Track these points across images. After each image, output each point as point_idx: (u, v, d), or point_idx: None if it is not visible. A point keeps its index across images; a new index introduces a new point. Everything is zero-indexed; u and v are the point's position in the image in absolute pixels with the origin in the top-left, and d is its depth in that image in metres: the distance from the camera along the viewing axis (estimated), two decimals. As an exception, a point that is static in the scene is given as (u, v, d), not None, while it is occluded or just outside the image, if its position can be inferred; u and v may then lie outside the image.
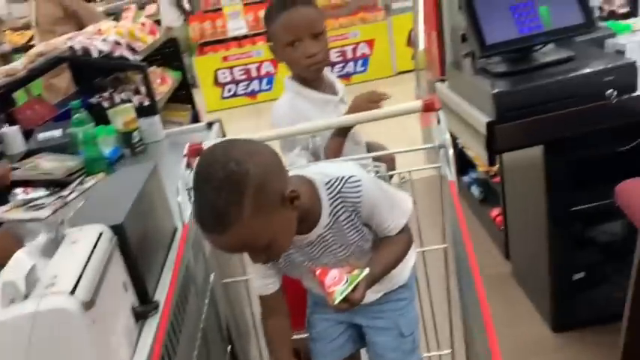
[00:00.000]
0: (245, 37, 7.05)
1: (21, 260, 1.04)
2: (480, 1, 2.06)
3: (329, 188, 1.12)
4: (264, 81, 6.97)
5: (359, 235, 1.18)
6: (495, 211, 3.07)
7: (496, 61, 2.17)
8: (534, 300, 2.47)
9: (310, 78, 1.61)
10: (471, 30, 2.06)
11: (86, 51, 2.52)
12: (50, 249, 1.09)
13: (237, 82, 7.03)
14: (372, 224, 1.19)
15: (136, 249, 1.23)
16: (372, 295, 1.30)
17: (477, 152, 2.26)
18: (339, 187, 1.11)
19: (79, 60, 2.53)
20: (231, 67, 6.97)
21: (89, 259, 1.05)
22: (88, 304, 0.95)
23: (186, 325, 1.31)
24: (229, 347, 1.53)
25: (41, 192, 2.08)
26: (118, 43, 2.61)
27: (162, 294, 1.31)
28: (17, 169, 2.16)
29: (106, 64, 2.55)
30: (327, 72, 1.69)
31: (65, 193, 2.05)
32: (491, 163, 2.04)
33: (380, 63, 6.78)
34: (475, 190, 3.43)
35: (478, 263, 1.13)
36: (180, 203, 1.48)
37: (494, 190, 2.98)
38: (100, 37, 2.62)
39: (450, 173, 1.42)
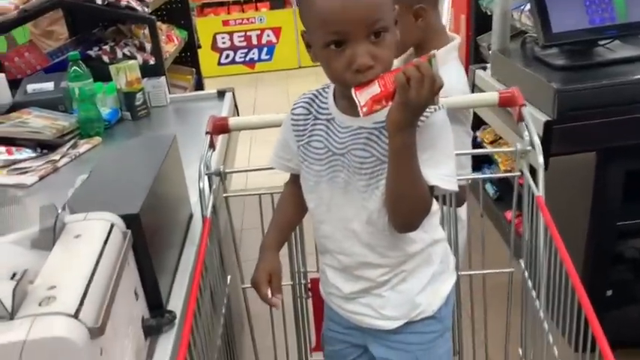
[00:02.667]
0: (248, 1, 6.69)
1: (4, 259, 0.78)
2: (550, -15, 1.82)
3: None
4: (264, 50, 6.68)
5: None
6: (510, 214, 2.88)
7: (555, 52, 1.93)
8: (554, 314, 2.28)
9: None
10: (536, 15, 1.82)
11: (89, -4, 2.20)
12: (46, 243, 0.83)
13: (235, 49, 6.72)
14: None
15: (151, 245, 0.98)
16: (386, 323, 1.09)
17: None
18: None
19: (80, 6, 2.21)
20: (230, 33, 6.65)
21: (98, 262, 0.79)
22: (98, 331, 0.69)
23: (201, 339, 1.07)
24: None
25: (27, 153, 1.80)
26: (124, -9, 2.30)
27: (177, 301, 1.06)
28: (1, 123, 1.87)
29: (110, 14, 2.25)
30: None
31: (56, 157, 1.78)
32: (545, 167, 1.82)
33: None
34: (490, 189, 3.23)
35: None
36: (201, 191, 1.23)
37: (519, 192, 2.77)
38: (104, -18, 2.30)
39: (538, 185, 1.19)
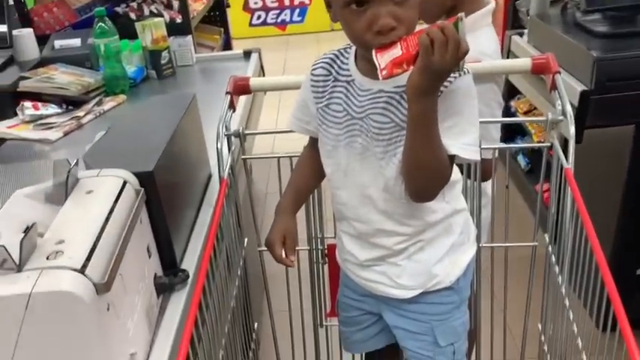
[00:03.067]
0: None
1: (15, 211, 0.78)
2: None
3: None
4: (296, 12, 6.56)
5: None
6: (544, 186, 2.80)
7: (597, 18, 1.83)
8: (578, 290, 2.23)
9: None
10: (579, -23, 1.72)
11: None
12: (58, 197, 0.83)
13: (267, 10, 6.62)
14: None
15: (166, 204, 0.97)
16: (402, 292, 1.07)
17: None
18: None
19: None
20: (262, -6, 6.54)
21: (108, 218, 0.78)
22: (104, 287, 0.69)
23: (214, 301, 1.07)
24: (256, 325, 1.30)
25: (53, 109, 1.81)
26: (152, -53, 2.26)
27: (191, 260, 1.05)
28: (28, 78, 1.88)
29: (137, -31, 2.21)
30: None
31: (80, 113, 1.78)
32: (579, 139, 1.74)
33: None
34: (522, 160, 3.14)
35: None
36: (219, 152, 1.21)
37: (548, 164, 2.69)
38: (133, -64, 2.27)
39: (567, 157, 1.14)
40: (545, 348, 1.27)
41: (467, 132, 0.92)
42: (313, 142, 1.12)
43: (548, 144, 1.29)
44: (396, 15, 0.85)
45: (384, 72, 0.85)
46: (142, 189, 0.89)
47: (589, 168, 2.04)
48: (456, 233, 1.06)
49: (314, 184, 1.20)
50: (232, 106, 1.31)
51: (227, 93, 1.31)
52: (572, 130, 1.17)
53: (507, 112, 3.26)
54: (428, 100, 0.85)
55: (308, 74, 1.07)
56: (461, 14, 0.81)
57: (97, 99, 1.88)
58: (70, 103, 1.84)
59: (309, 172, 1.16)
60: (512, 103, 3.17)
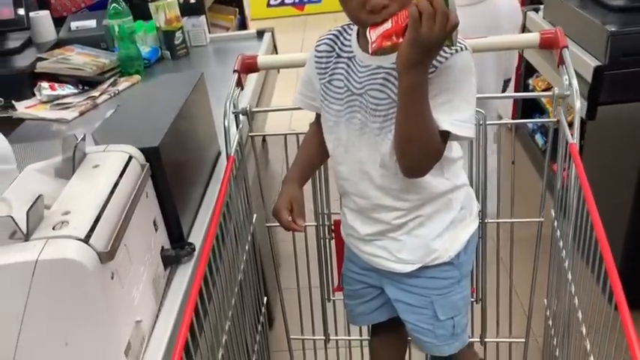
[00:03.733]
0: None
1: (26, 184, 0.82)
2: None
3: None
4: (314, -9, 6.51)
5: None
6: (557, 166, 2.78)
7: (614, -9, 1.79)
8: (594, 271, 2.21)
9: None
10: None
11: None
12: (66, 172, 0.86)
13: (285, -10, 6.57)
14: None
15: (172, 179, 1.00)
16: (402, 267, 1.08)
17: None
18: None
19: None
20: (279, -26, 6.50)
21: (113, 191, 0.81)
22: (107, 256, 0.72)
23: (221, 273, 1.10)
24: (265, 299, 1.33)
25: (69, 89, 1.85)
26: None
27: (198, 235, 1.08)
28: (45, 59, 1.92)
29: (150, -50, 2.22)
30: None
31: (95, 93, 1.82)
32: (592, 116, 1.72)
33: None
34: (539, 139, 3.10)
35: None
36: (226, 129, 1.23)
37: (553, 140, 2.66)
38: None
39: (573, 133, 1.13)
40: (550, 322, 1.28)
41: (461, 108, 0.92)
42: (318, 119, 1.14)
43: (555, 119, 1.28)
44: None
45: (373, 45, 0.86)
46: (147, 164, 0.92)
47: (604, 145, 2.02)
48: (455, 209, 1.06)
49: (319, 160, 1.21)
50: (240, 84, 1.33)
51: (234, 71, 1.33)
52: (578, 104, 1.16)
53: (525, 89, 3.22)
54: (418, 73, 0.85)
55: (312, 50, 1.08)
56: None
57: (112, 79, 1.92)
58: (86, 83, 1.87)
59: (315, 148, 1.17)
60: (531, 81, 3.13)
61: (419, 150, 0.92)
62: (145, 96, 1.21)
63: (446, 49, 0.89)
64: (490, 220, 1.34)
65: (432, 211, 1.04)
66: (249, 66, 1.36)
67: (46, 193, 0.81)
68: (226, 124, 1.24)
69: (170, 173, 0.99)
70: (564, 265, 1.16)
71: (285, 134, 1.33)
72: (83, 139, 0.89)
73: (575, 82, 1.17)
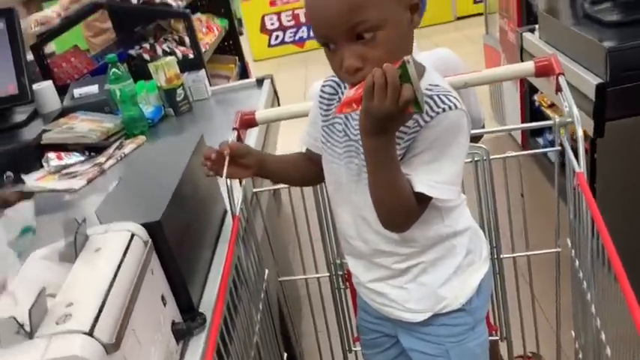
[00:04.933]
0: (294, -22, 6.63)
1: (34, 274, 0.81)
2: None
3: (426, 85, 0.91)
4: (313, 28, 6.59)
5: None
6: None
7: (606, 7, 1.79)
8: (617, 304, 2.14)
9: None
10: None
11: (124, -4, 2.24)
12: (69, 256, 0.86)
13: (284, 29, 6.71)
14: (404, 157, 0.91)
15: (177, 250, 0.99)
16: (412, 316, 1.06)
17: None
18: (435, 90, 0.90)
19: (117, 6, 2.26)
20: (278, 13, 6.63)
21: (116, 274, 0.81)
22: (113, 347, 0.71)
23: (237, 335, 1.08)
24: (285, 355, 1.31)
25: (76, 157, 1.87)
26: (159, -13, 2.32)
27: (209, 302, 1.07)
28: (50, 130, 1.95)
29: (147, 12, 2.28)
30: None
31: (102, 159, 1.84)
32: (600, 133, 1.70)
33: (437, 4, 6.17)
34: (552, 155, 3.06)
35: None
36: (229, 189, 1.23)
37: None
38: (139, -20, 2.34)
39: (579, 161, 1.11)
40: (580, 356, 1.23)
41: (443, 170, 0.89)
42: (310, 154, 1.13)
43: (559, 147, 1.26)
44: (363, 55, 0.84)
45: (337, 108, 0.87)
46: (150, 239, 0.91)
47: (616, 160, 1.98)
48: (460, 254, 1.04)
49: (294, 174, 1.18)
50: (240, 141, 1.33)
51: (234, 129, 1.33)
52: (581, 132, 1.14)
53: (531, 106, 3.20)
54: (378, 141, 0.84)
55: (318, 90, 1.08)
56: (407, 57, 0.77)
57: (117, 143, 1.94)
58: (92, 149, 1.90)
59: (295, 167, 1.16)
60: (536, 97, 3.11)
61: (390, 209, 0.91)
62: (146, 164, 1.22)
63: (434, 104, 0.88)
64: (505, 256, 1.31)
65: (434, 258, 1.02)
66: (248, 122, 1.36)
67: (51, 281, 0.81)
68: (229, 183, 1.24)
69: (175, 245, 0.98)
70: (587, 297, 1.13)
71: (290, 187, 1.33)
72: (84, 221, 0.88)
73: (575, 109, 1.16)
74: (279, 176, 1.20)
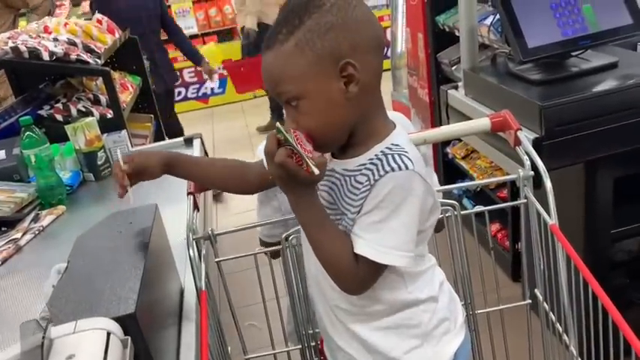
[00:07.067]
0: (195, 36, 6.60)
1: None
2: (518, 0, 1.79)
3: (388, 144, 0.91)
4: (217, 83, 6.56)
5: (347, 210, 0.91)
6: (494, 227, 2.85)
7: (528, 66, 1.90)
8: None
9: None
10: (510, 31, 1.79)
11: (34, 53, 2.05)
12: (32, 367, 0.69)
13: (187, 85, 6.60)
14: (353, 214, 0.89)
15: (152, 342, 0.85)
16: None
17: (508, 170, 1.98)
18: (393, 149, 0.89)
19: (25, 64, 2.06)
20: (180, 69, 6.50)
21: (99, 387, 0.66)
22: None
23: None
24: None
25: (-15, 234, 1.63)
26: (72, 44, 2.16)
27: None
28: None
29: (60, 69, 2.10)
30: None
31: (17, 235, 1.61)
32: (538, 185, 1.77)
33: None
34: (468, 204, 3.19)
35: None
36: (192, 260, 1.10)
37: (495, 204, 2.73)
38: (49, 37, 2.16)
39: (550, 213, 1.12)
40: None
41: (390, 233, 0.86)
42: (261, 165, 1.07)
43: (523, 200, 1.28)
44: (295, 119, 0.89)
45: None
46: (128, 338, 0.77)
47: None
48: (425, 324, 0.97)
49: (228, 182, 1.16)
50: (196, 206, 1.22)
51: (189, 194, 1.22)
52: (549, 184, 1.17)
53: (444, 158, 3.32)
54: (291, 200, 0.88)
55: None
56: (278, 123, 0.83)
57: (32, 214, 1.72)
58: (3, 224, 1.66)
59: (229, 173, 1.14)
60: (449, 150, 3.23)
61: (332, 271, 0.90)
62: (97, 246, 1.06)
63: (386, 164, 0.86)
64: (479, 311, 1.29)
65: (396, 324, 0.96)
66: (202, 185, 1.26)
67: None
68: (192, 254, 1.11)
69: (150, 339, 0.84)
70: (571, 350, 1.12)
71: (255, 253, 1.22)
72: (50, 321, 0.73)
73: (540, 162, 1.19)
74: (208, 180, 1.17)
